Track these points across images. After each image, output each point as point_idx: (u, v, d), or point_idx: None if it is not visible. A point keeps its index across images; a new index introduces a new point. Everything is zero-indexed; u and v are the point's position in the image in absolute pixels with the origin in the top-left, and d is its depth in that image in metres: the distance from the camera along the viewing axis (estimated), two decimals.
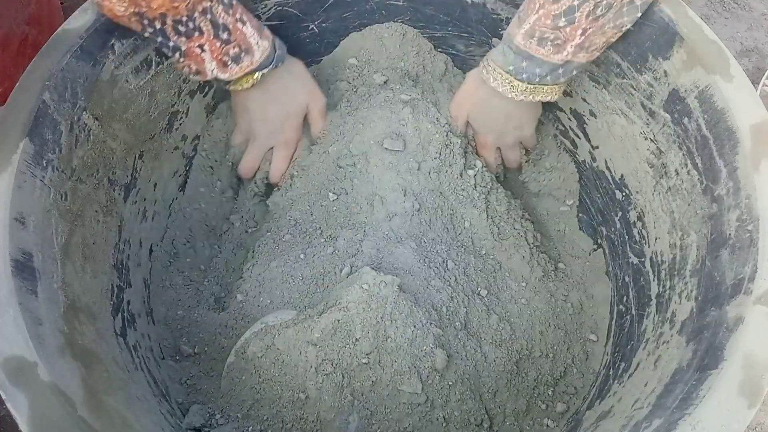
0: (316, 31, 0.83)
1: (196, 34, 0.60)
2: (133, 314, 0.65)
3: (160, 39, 0.61)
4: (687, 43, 0.62)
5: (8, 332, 0.46)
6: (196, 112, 0.78)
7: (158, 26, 0.59)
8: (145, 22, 0.59)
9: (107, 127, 0.64)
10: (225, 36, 0.62)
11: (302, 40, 0.84)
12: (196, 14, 0.59)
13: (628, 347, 0.66)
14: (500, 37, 0.80)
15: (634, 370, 0.61)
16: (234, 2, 0.63)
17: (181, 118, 0.76)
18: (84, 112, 0.60)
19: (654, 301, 0.65)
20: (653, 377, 0.56)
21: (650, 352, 0.60)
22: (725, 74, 0.59)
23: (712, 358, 0.50)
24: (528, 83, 0.67)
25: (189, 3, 0.59)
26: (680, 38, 0.62)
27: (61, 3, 0.95)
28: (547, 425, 0.68)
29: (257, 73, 0.67)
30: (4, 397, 0.44)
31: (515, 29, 0.65)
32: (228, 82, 0.68)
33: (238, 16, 0.63)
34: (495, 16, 0.79)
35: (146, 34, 0.60)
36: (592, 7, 0.58)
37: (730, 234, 0.56)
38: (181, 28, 0.60)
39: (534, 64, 0.65)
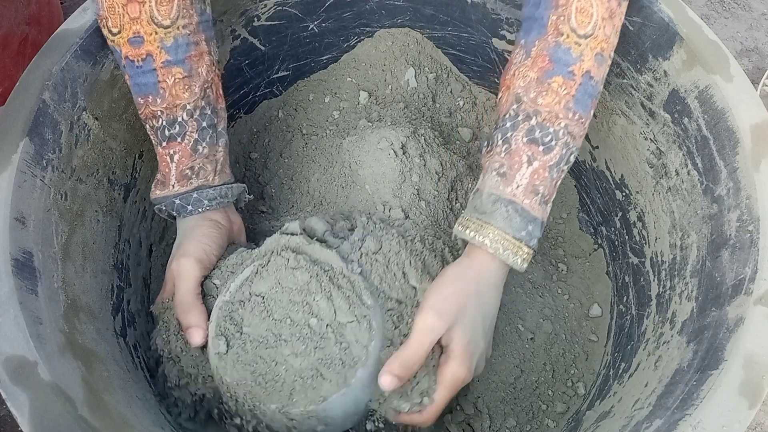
0: (316, 31, 0.83)
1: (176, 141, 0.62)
2: (132, 314, 0.65)
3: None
4: (687, 43, 0.62)
5: (9, 332, 0.46)
6: None
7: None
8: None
9: (107, 127, 0.64)
10: (157, 158, 0.63)
11: (302, 40, 0.84)
12: (147, 126, 0.62)
13: (629, 347, 0.66)
14: (500, 37, 0.80)
15: (635, 371, 0.61)
16: (177, 140, 0.61)
17: None
18: (84, 112, 0.60)
19: (654, 302, 0.65)
20: (653, 377, 0.56)
21: (650, 353, 0.60)
22: (725, 74, 0.59)
23: (712, 359, 0.50)
24: (532, 250, 0.57)
25: (142, 113, 0.61)
26: (680, 38, 0.62)
27: (61, 3, 0.95)
28: (547, 425, 0.68)
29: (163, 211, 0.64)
30: (4, 396, 0.44)
31: (505, 187, 0.56)
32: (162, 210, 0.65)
33: (170, 151, 0.62)
34: (495, 16, 0.79)
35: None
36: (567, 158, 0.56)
37: (730, 234, 0.56)
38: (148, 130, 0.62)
39: (537, 227, 0.57)
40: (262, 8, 0.78)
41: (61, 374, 0.46)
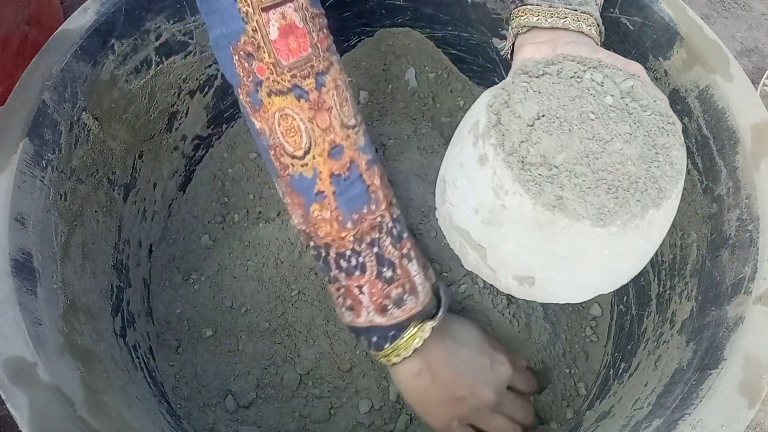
0: None
1: (357, 272, 0.52)
2: (132, 314, 0.65)
3: (321, 264, 0.54)
4: (687, 43, 0.62)
5: (8, 332, 0.46)
6: (195, 112, 0.78)
7: (323, 254, 0.53)
8: (311, 244, 0.54)
9: (107, 127, 0.64)
10: (389, 274, 0.53)
11: None
12: (363, 245, 0.52)
13: (629, 347, 0.66)
14: (500, 37, 0.80)
15: (635, 370, 0.61)
16: (404, 235, 0.54)
17: (181, 118, 0.76)
18: (84, 112, 0.60)
19: (654, 301, 0.65)
20: (653, 377, 0.56)
21: (650, 352, 0.60)
22: (725, 74, 0.59)
23: (712, 358, 0.50)
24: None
25: (358, 231, 0.52)
26: (680, 38, 0.62)
27: (61, 3, 0.95)
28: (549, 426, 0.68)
29: (427, 324, 0.54)
30: (4, 397, 0.44)
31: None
32: (381, 346, 0.54)
33: (405, 250, 0.54)
34: (495, 16, 0.79)
35: (312, 253, 0.55)
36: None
37: (730, 234, 0.56)
38: (343, 264, 0.52)
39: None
40: None
41: (60, 375, 0.46)
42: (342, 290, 0.54)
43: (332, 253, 0.53)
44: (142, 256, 0.71)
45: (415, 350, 0.54)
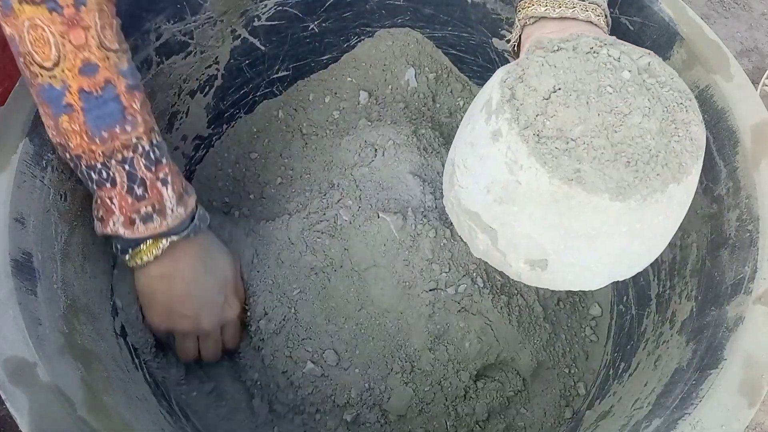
0: (316, 31, 0.83)
1: (108, 185, 0.55)
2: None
3: (79, 175, 0.56)
4: (687, 43, 0.62)
5: (8, 332, 0.46)
6: (196, 112, 0.78)
7: (77, 164, 0.55)
8: (67, 156, 0.55)
9: None
10: (140, 192, 0.55)
11: (302, 40, 0.84)
12: (113, 161, 0.54)
13: (628, 347, 0.66)
14: (500, 37, 0.80)
15: (634, 370, 0.61)
16: (163, 160, 0.57)
17: (181, 118, 0.76)
18: None
19: (654, 301, 0.65)
20: (653, 377, 0.56)
21: (650, 352, 0.60)
22: (725, 74, 0.59)
23: (712, 358, 0.50)
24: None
25: (107, 149, 0.54)
26: (680, 38, 0.62)
27: None
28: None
29: (165, 239, 0.58)
30: (4, 397, 0.44)
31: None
32: (126, 251, 0.58)
33: (161, 174, 0.56)
34: (495, 16, 0.79)
35: (70, 165, 0.56)
36: None
37: (730, 234, 0.56)
38: (94, 175, 0.55)
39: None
40: (262, 8, 0.78)
41: (60, 375, 0.46)
42: (98, 200, 0.57)
43: (82, 165, 0.54)
44: None
45: (156, 258, 0.58)
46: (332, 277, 0.69)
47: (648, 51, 0.50)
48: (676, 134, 0.45)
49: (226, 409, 0.67)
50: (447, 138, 0.83)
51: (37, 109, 0.55)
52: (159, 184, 0.56)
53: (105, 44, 0.52)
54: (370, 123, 0.83)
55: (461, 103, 0.88)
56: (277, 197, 0.81)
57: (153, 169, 0.56)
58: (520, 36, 0.59)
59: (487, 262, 0.54)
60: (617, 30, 0.66)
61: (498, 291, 0.69)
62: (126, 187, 0.55)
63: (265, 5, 0.78)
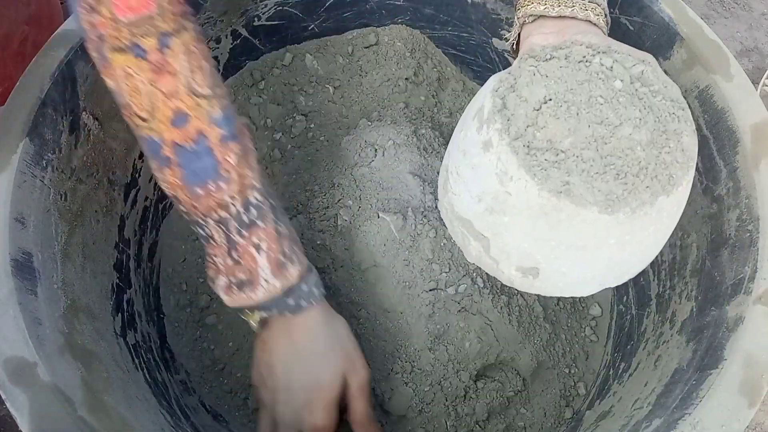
0: (317, 30, 0.83)
1: (211, 242, 0.52)
2: (133, 314, 0.65)
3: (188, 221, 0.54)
4: (687, 43, 0.62)
5: (8, 332, 0.46)
6: None
7: (186, 218, 0.53)
8: (182, 208, 0.52)
9: (107, 127, 0.64)
10: (235, 256, 0.52)
11: (302, 40, 0.84)
12: (210, 221, 0.51)
13: (628, 347, 0.66)
14: (500, 37, 0.80)
15: (634, 370, 0.61)
16: (260, 223, 0.52)
17: None
18: (84, 112, 0.60)
19: (654, 301, 0.65)
20: (653, 377, 0.56)
21: (650, 352, 0.60)
22: (725, 74, 0.59)
23: (712, 358, 0.50)
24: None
25: (203, 207, 0.50)
26: (680, 38, 0.62)
27: (61, 3, 0.95)
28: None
29: (257, 313, 0.54)
30: (4, 397, 0.44)
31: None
32: (241, 310, 0.55)
33: (254, 240, 0.51)
34: (495, 16, 0.79)
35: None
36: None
37: (730, 234, 0.56)
38: (200, 230, 0.52)
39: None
40: (262, 8, 0.78)
41: (60, 375, 0.46)
42: (209, 258, 0.54)
43: (191, 219, 0.52)
44: (142, 256, 0.71)
45: (261, 326, 0.56)
46: (332, 277, 0.69)
47: (643, 58, 0.50)
48: (666, 145, 0.45)
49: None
50: (447, 138, 0.83)
51: (37, 109, 0.55)
52: (252, 249, 0.52)
53: (195, 90, 0.48)
54: (370, 123, 0.83)
55: (461, 103, 0.88)
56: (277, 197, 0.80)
57: (246, 233, 0.51)
58: (519, 35, 0.59)
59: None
60: (617, 30, 0.66)
61: (498, 291, 0.69)
62: (226, 248, 0.52)
63: (265, 5, 0.78)
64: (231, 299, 0.53)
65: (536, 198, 0.44)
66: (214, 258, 0.53)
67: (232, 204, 0.50)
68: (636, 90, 0.47)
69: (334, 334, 0.58)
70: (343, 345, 0.58)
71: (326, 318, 0.57)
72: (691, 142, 0.46)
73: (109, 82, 0.49)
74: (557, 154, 0.44)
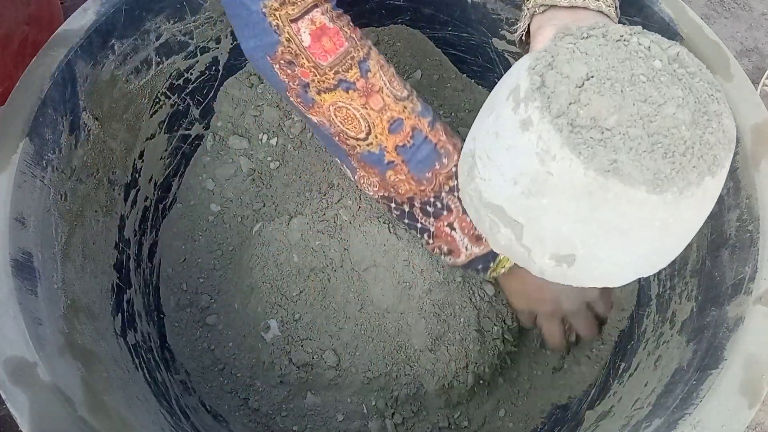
0: None
1: (444, 212, 0.58)
2: (133, 314, 0.65)
3: (407, 221, 0.59)
4: (687, 43, 0.62)
5: (8, 332, 0.46)
6: (196, 112, 0.78)
7: (406, 209, 0.58)
8: (393, 205, 0.58)
9: (107, 127, 0.64)
10: None
11: None
12: (443, 194, 0.57)
13: (628, 347, 0.66)
14: (500, 37, 0.80)
15: (635, 370, 0.61)
16: None
17: (182, 118, 0.76)
18: (84, 112, 0.60)
19: (654, 301, 0.65)
20: (653, 377, 0.56)
21: (650, 352, 0.60)
22: (725, 74, 0.59)
23: (712, 358, 0.50)
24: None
25: (435, 185, 0.57)
26: (680, 38, 0.62)
27: (61, 3, 0.95)
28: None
29: None
30: (4, 397, 0.44)
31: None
32: (488, 266, 0.60)
33: None
34: (495, 16, 0.79)
35: (394, 215, 0.59)
36: None
37: (730, 234, 0.56)
38: (429, 209, 0.58)
39: None
40: None
41: (60, 375, 0.46)
42: (435, 238, 0.59)
43: (417, 204, 0.58)
44: (142, 256, 0.71)
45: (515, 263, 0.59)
46: (332, 278, 0.69)
47: (675, 42, 0.49)
48: (709, 126, 0.44)
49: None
50: None
51: (37, 109, 0.55)
52: None
53: (398, 95, 0.55)
54: None
55: (461, 103, 0.88)
56: (278, 198, 0.80)
57: None
58: (528, 26, 0.59)
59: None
60: None
61: (499, 289, 0.69)
62: (461, 209, 0.57)
63: None
64: (485, 246, 0.59)
65: (581, 177, 0.42)
66: (448, 227, 0.58)
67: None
68: (675, 70, 0.46)
69: None
70: None
71: None
72: (731, 125, 0.45)
73: (316, 119, 0.55)
74: (602, 132, 0.43)
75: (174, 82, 0.72)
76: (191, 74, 0.74)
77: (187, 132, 0.78)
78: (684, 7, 0.63)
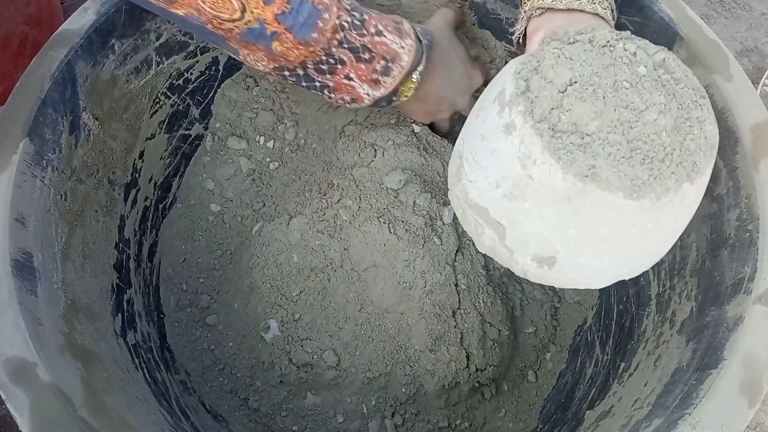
0: None
1: (339, 66, 0.58)
2: (133, 314, 0.65)
3: (305, 84, 0.59)
4: (687, 43, 0.62)
5: (8, 332, 0.46)
6: (196, 112, 0.78)
7: (301, 73, 0.58)
8: (286, 73, 0.58)
9: (107, 127, 0.64)
10: (366, 56, 0.58)
11: None
12: (333, 49, 0.57)
13: (628, 347, 0.66)
14: (500, 38, 0.80)
15: (634, 370, 0.61)
16: (365, 18, 0.58)
17: (182, 117, 0.76)
18: (84, 112, 0.60)
19: (654, 301, 0.65)
20: (653, 377, 0.56)
21: (650, 352, 0.60)
22: (725, 74, 0.59)
23: (712, 358, 0.50)
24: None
25: (323, 42, 0.56)
26: (680, 38, 0.62)
27: (61, 3, 0.95)
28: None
29: (414, 74, 0.61)
30: (4, 397, 0.44)
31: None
32: (391, 101, 0.62)
33: (372, 30, 0.58)
34: (495, 16, 0.79)
35: (290, 82, 0.59)
36: None
37: (729, 233, 0.56)
38: (324, 67, 0.58)
39: None
40: None
41: (60, 375, 0.46)
42: (335, 92, 0.59)
43: (310, 66, 0.57)
44: (142, 256, 0.71)
45: (416, 89, 0.62)
46: (332, 278, 0.69)
47: (662, 47, 0.50)
48: (690, 132, 0.45)
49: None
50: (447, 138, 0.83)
51: (37, 109, 0.55)
52: (377, 38, 0.58)
53: None
54: (369, 123, 0.83)
55: None
56: (277, 199, 0.80)
57: (364, 30, 0.57)
58: (525, 28, 0.59)
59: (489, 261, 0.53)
60: (617, 30, 0.66)
61: (499, 291, 0.69)
62: (354, 58, 0.58)
63: None
64: (385, 88, 0.60)
65: (561, 182, 0.43)
66: (346, 79, 0.59)
67: (342, 21, 0.56)
68: (659, 76, 0.47)
69: (453, 52, 0.69)
70: (462, 57, 0.70)
71: (450, 35, 0.69)
72: (714, 131, 0.46)
73: (181, 12, 0.53)
74: (583, 138, 0.43)
75: (174, 82, 0.72)
76: (191, 74, 0.74)
77: (187, 132, 0.78)
78: (684, 7, 0.63)
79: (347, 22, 0.56)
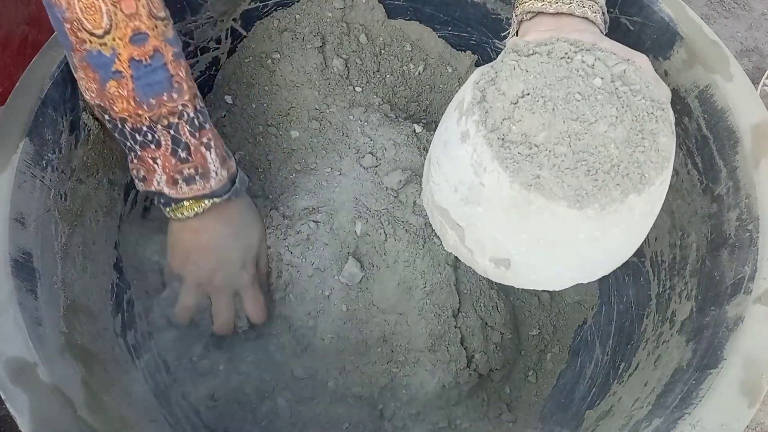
0: None
1: (153, 146, 0.57)
2: (133, 314, 0.65)
3: (117, 135, 0.58)
4: (687, 43, 0.62)
5: (8, 333, 0.46)
6: None
7: (118, 126, 0.56)
8: (106, 117, 0.56)
9: (107, 128, 0.64)
10: (183, 155, 0.58)
11: None
12: (159, 126, 0.56)
13: (628, 347, 0.66)
14: (500, 38, 0.80)
15: (634, 370, 0.61)
16: (206, 127, 0.59)
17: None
18: (84, 112, 0.60)
19: (654, 301, 0.65)
20: (653, 377, 0.56)
21: (650, 352, 0.60)
22: (725, 74, 0.59)
23: (711, 358, 0.50)
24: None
25: (153, 114, 0.55)
26: (680, 38, 0.62)
27: None
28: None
29: (207, 200, 0.59)
30: (4, 397, 0.44)
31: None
32: (169, 205, 0.60)
33: (204, 140, 0.58)
34: (495, 16, 0.79)
35: (107, 125, 0.58)
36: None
37: (729, 234, 0.56)
38: (138, 137, 0.57)
39: None
40: (262, 8, 0.78)
41: (60, 375, 0.46)
42: (136, 161, 0.58)
43: (128, 127, 0.56)
44: None
45: (197, 215, 0.60)
46: (332, 278, 0.69)
47: (629, 57, 0.50)
48: (641, 144, 0.46)
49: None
50: None
51: (37, 109, 0.55)
52: (203, 149, 0.58)
53: (154, 13, 0.54)
54: (371, 124, 0.83)
55: None
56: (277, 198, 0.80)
57: (197, 134, 0.58)
58: (517, 32, 0.59)
59: None
60: (617, 30, 0.66)
61: (502, 294, 0.69)
62: (170, 149, 0.57)
63: (266, 5, 0.78)
64: (177, 191, 0.59)
65: (508, 190, 0.45)
66: (152, 160, 0.57)
67: (185, 111, 0.57)
68: (616, 88, 0.47)
69: (251, 210, 0.68)
70: (258, 219, 0.69)
71: (249, 201, 0.67)
72: (668, 143, 0.46)
73: None
74: (531, 148, 0.45)
75: None
76: (191, 74, 0.74)
77: None
78: (684, 7, 0.63)
79: (188, 115, 0.57)
